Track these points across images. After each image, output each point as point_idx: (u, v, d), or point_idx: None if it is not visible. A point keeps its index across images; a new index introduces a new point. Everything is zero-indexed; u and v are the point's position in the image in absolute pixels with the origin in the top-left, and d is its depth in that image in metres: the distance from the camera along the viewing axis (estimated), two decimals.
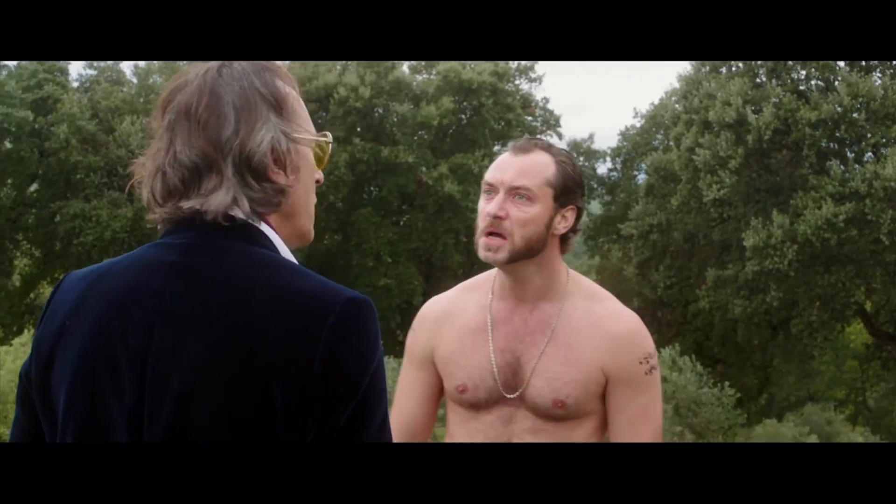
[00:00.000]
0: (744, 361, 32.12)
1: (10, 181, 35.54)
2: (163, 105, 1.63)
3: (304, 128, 1.69)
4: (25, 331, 23.90)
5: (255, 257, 1.56)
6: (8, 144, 34.41)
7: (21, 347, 17.69)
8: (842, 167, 26.20)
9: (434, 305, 2.84)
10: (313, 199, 1.74)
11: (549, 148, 2.72)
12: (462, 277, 2.89)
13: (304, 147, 1.68)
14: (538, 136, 3.08)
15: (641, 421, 2.64)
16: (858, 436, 27.77)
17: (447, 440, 2.78)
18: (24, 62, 35.23)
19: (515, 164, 2.67)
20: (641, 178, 36.18)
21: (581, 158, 40.63)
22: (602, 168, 40.92)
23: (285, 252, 1.62)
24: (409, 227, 36.01)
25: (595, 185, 40.40)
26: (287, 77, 1.70)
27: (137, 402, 1.50)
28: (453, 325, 2.75)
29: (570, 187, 2.68)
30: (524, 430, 2.67)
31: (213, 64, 1.63)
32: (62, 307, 1.62)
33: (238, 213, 1.57)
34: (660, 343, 28.25)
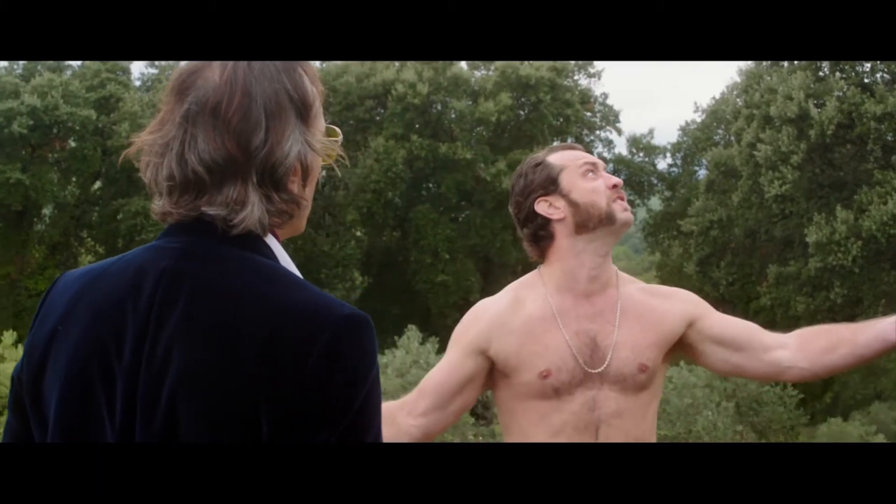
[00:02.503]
0: None
1: (74, 179, 36.22)
2: (179, 88, 1.54)
3: (319, 127, 1.62)
4: None
5: (253, 266, 1.49)
6: (72, 143, 35.08)
7: None
8: None
9: (489, 302, 2.86)
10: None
11: None
12: (520, 273, 2.92)
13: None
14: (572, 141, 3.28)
15: (746, 322, 2.91)
16: None
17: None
18: (87, 62, 35.85)
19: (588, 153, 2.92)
20: (702, 173, 35.88)
21: (641, 154, 40.44)
22: (662, 163, 40.72)
23: (285, 260, 1.56)
24: (467, 223, 36.06)
25: (655, 181, 40.18)
26: (313, 75, 1.62)
27: (129, 413, 1.44)
28: (517, 318, 2.78)
29: None
30: (609, 413, 2.74)
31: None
32: (55, 310, 1.55)
33: (256, 227, 1.51)
34: None
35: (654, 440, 2.87)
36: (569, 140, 39.54)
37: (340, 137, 1.68)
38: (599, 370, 2.73)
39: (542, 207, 2.82)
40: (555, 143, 3.03)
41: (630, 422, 2.75)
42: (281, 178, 1.51)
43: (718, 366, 2.90)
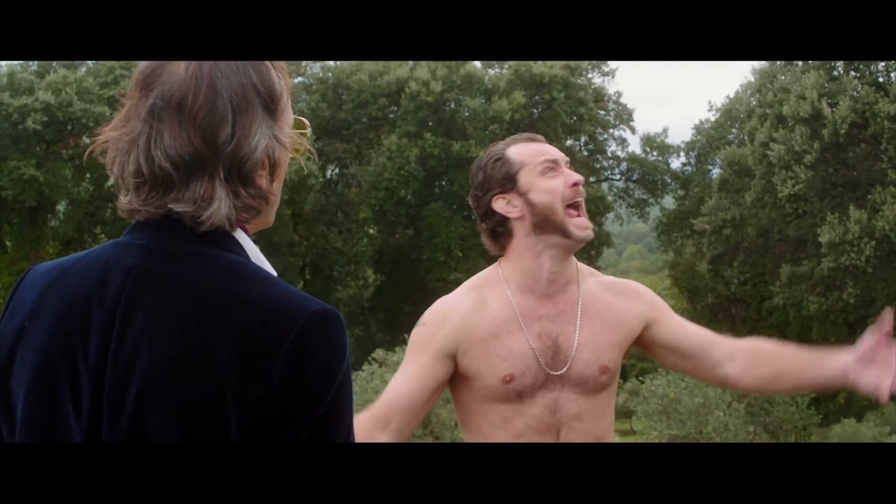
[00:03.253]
0: None
1: (88, 175, 36.33)
2: (143, 83, 1.51)
3: (287, 120, 1.59)
4: None
5: (221, 263, 1.48)
6: (86, 140, 35.16)
7: None
8: None
9: (454, 304, 2.83)
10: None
11: None
12: None
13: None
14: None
15: (701, 327, 2.92)
16: None
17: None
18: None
19: (548, 145, 2.86)
20: (715, 172, 35.82)
21: (654, 153, 40.38)
22: (676, 162, 40.68)
23: (255, 255, 1.55)
24: None
25: (668, 180, 40.12)
26: (280, 67, 1.59)
27: (96, 410, 1.44)
28: (481, 320, 2.75)
29: None
30: (571, 416, 2.73)
31: None
32: (22, 305, 1.55)
33: (223, 224, 1.49)
34: None
35: (612, 438, 2.86)
36: (582, 139, 39.56)
37: (309, 130, 1.67)
38: (561, 372, 2.72)
39: (499, 205, 2.77)
40: (516, 135, 2.95)
41: (590, 422, 2.74)
42: (248, 173, 1.49)
43: (670, 366, 2.96)
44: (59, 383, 1.46)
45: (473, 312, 2.76)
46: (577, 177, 2.79)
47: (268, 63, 1.55)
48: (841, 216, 25.64)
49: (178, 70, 1.49)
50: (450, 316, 2.78)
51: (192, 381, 1.40)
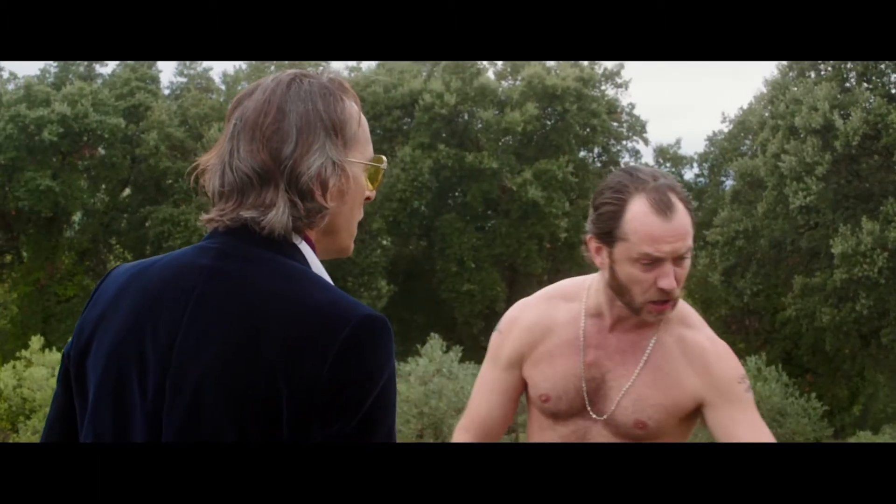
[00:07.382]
0: (834, 371, 31.50)
1: (103, 186, 36.50)
2: (231, 109, 1.73)
3: (360, 150, 1.76)
4: None
5: (284, 268, 1.64)
6: (101, 151, 35.37)
7: None
8: None
9: (526, 312, 2.83)
10: (357, 217, 1.81)
11: (678, 192, 2.59)
12: (545, 283, 2.88)
13: (356, 169, 1.74)
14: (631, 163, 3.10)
15: (760, 433, 2.61)
16: None
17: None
18: (117, 71, 36.17)
19: (674, 231, 2.56)
20: (728, 184, 35.73)
21: (668, 164, 40.28)
22: (689, 174, 40.57)
23: (316, 266, 1.71)
24: (492, 232, 36.04)
25: None
26: (352, 96, 1.77)
27: (159, 395, 1.61)
28: (545, 334, 2.76)
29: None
30: None
31: (284, 78, 1.72)
32: (105, 297, 1.74)
33: (281, 229, 1.66)
34: (748, 352, 27.88)
35: None
36: (595, 150, 39.47)
37: (384, 164, 1.82)
38: (595, 409, 2.70)
39: (591, 244, 2.64)
40: (643, 166, 2.65)
41: None
42: (303, 189, 1.67)
43: None
44: (130, 368, 1.64)
45: (538, 325, 2.77)
46: (670, 284, 2.57)
47: (339, 94, 1.73)
48: (853, 227, 25.57)
49: (257, 95, 1.70)
50: (518, 325, 2.81)
51: (246, 369, 1.56)
